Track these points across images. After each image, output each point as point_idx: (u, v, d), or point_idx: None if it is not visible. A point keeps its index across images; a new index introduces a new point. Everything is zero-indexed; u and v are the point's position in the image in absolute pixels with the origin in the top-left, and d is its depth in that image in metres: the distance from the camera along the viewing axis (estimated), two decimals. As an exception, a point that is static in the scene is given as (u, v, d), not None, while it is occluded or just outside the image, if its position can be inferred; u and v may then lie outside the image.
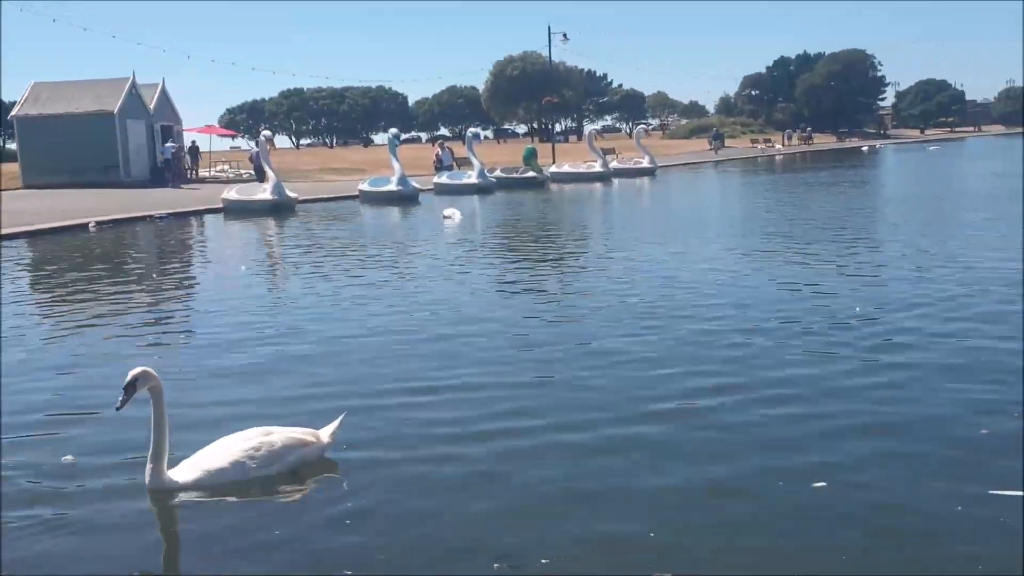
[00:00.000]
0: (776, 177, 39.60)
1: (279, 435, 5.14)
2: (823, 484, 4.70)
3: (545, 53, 64.32)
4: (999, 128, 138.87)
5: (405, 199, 30.17)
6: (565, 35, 57.79)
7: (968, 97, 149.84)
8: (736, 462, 5.08)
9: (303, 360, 7.78)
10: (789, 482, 4.77)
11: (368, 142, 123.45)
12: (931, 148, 68.88)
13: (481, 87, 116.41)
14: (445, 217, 21.80)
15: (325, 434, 5.29)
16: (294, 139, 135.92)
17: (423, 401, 6.37)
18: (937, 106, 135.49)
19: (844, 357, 7.11)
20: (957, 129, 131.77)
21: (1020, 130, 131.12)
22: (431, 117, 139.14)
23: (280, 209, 26.64)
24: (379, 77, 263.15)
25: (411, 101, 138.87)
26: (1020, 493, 4.45)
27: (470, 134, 39.70)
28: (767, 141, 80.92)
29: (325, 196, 32.84)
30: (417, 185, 32.29)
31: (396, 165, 31.55)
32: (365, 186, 32.55)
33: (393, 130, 35.09)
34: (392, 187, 31.03)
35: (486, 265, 13.97)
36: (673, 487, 4.77)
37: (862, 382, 6.44)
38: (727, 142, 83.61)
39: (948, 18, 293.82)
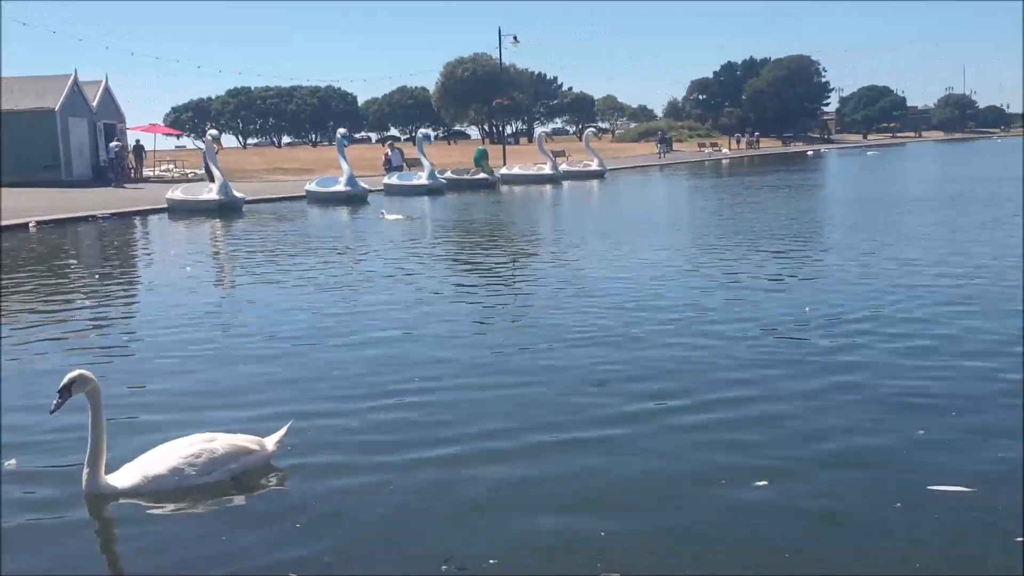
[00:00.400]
0: (723, 180, 40.18)
1: (222, 442, 5.04)
2: (764, 483, 4.78)
3: (496, 55, 64.45)
4: (939, 134, 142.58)
5: (354, 200, 30.00)
6: (515, 37, 57.94)
7: (909, 103, 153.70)
8: (681, 463, 5.13)
9: (249, 364, 7.67)
10: (732, 482, 4.84)
11: (317, 142, 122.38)
12: (869, 153, 70.40)
13: (432, 88, 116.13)
14: (386, 217, 21.78)
15: (271, 442, 5.19)
16: (241, 139, 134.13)
17: (372, 406, 6.28)
18: (879, 112, 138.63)
19: (791, 359, 7.21)
20: (899, 135, 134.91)
21: (959, 136, 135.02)
22: (381, 117, 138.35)
23: (227, 209, 26.33)
24: (328, 77, 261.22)
25: (360, 101, 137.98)
26: (959, 488, 4.56)
27: (420, 135, 39.61)
28: (714, 145, 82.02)
29: (272, 196, 32.50)
30: (366, 186, 32.14)
31: (344, 165, 31.37)
32: (312, 186, 32.29)
33: (341, 130, 34.91)
34: (340, 188, 30.85)
35: (433, 267, 13.91)
36: (623, 488, 4.80)
37: (804, 384, 6.52)
38: (675, 146, 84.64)
39: (891, 25, 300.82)
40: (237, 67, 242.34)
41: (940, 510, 4.39)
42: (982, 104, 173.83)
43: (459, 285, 11.91)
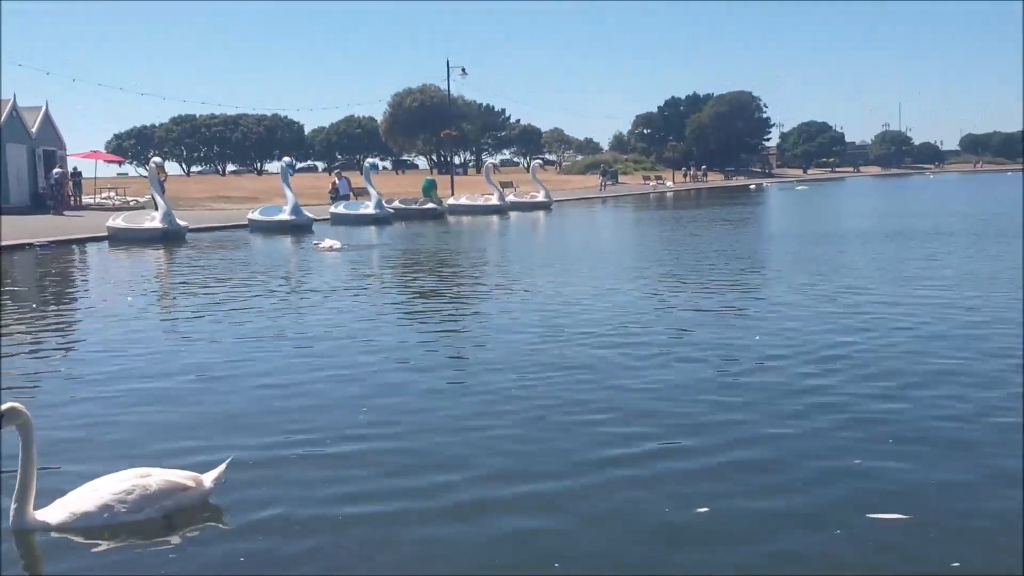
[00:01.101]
0: (668, 213, 40.64)
1: (156, 478, 4.91)
2: (706, 509, 4.85)
3: (444, 86, 64.72)
4: (876, 169, 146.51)
5: (298, 229, 29.83)
6: (464, 70, 58.31)
7: (848, 139, 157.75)
8: (622, 491, 5.17)
9: (190, 397, 7.53)
10: (674, 506, 4.91)
11: (262, 171, 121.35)
12: (799, 188, 72.01)
13: (379, 118, 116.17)
14: (320, 247, 21.72)
15: (208, 479, 5.06)
16: (185, 166, 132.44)
17: (314, 443, 6.17)
18: (818, 147, 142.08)
19: (731, 387, 7.30)
20: (837, 169, 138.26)
21: (895, 171, 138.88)
22: (328, 146, 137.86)
23: (170, 237, 26.04)
24: (275, 105, 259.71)
25: (307, 130, 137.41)
26: (896, 516, 4.67)
27: (367, 164, 39.58)
28: (659, 178, 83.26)
29: (216, 225, 32.13)
30: (311, 215, 31.99)
31: (289, 194, 31.25)
32: (255, 215, 32.08)
33: (286, 159, 34.79)
34: (285, 216, 30.73)
35: (376, 298, 13.81)
36: (571, 514, 4.81)
37: (741, 413, 6.60)
38: (620, 178, 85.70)
39: (830, 63, 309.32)
40: (182, 95, 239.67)
41: (878, 536, 4.49)
42: (917, 141, 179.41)
43: (400, 317, 11.87)
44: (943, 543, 4.40)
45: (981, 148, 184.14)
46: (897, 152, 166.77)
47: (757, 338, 9.39)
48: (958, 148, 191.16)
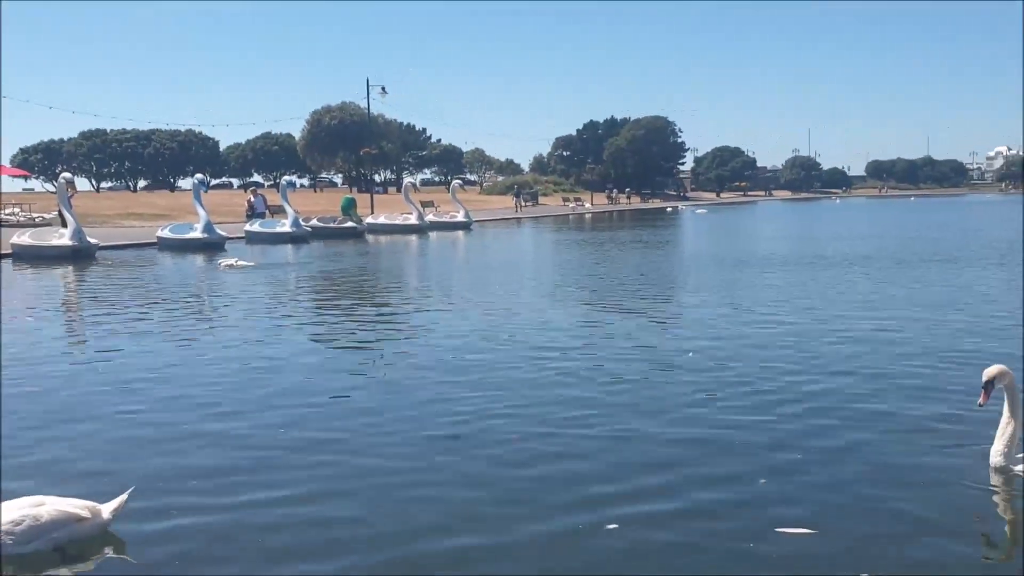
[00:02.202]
0: (587, 235, 41.05)
1: (49, 508, 4.67)
2: (615, 526, 4.92)
3: (364, 104, 64.41)
4: (787, 193, 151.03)
5: (210, 247, 29.25)
6: (384, 88, 58.11)
7: (759, 164, 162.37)
8: (532, 507, 5.21)
9: (93, 424, 7.24)
10: (585, 528, 4.95)
11: (175, 187, 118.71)
12: (699, 211, 73.90)
13: (297, 135, 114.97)
14: (224, 265, 21.40)
15: (107, 509, 4.83)
16: (95, 182, 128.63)
17: (222, 471, 6.01)
18: (731, 171, 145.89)
19: (646, 403, 7.36)
20: (750, 193, 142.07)
21: (805, 196, 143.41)
22: (244, 163, 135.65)
23: (80, 255, 25.24)
24: (189, 120, 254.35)
25: (223, 146, 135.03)
26: (804, 530, 4.81)
27: (284, 182, 39.03)
28: (578, 200, 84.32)
29: (126, 243, 31.26)
30: (224, 233, 31.43)
31: (201, 212, 30.68)
32: (165, 233, 31.37)
33: (199, 176, 34.21)
34: (197, 234, 30.13)
35: (286, 319, 13.52)
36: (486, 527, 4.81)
37: (651, 429, 6.69)
38: (540, 199, 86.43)
39: (744, 90, 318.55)
40: (92, 108, 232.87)
41: (787, 550, 4.62)
42: (826, 166, 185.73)
43: (308, 339, 11.63)
44: (850, 552, 4.56)
45: (886, 174, 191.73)
46: (807, 177, 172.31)
47: (691, 354, 9.59)
48: (864, 174, 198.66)
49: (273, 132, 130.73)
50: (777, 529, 4.84)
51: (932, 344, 10.05)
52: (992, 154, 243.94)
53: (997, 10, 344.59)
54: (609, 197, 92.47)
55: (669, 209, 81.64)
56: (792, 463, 5.98)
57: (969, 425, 6.49)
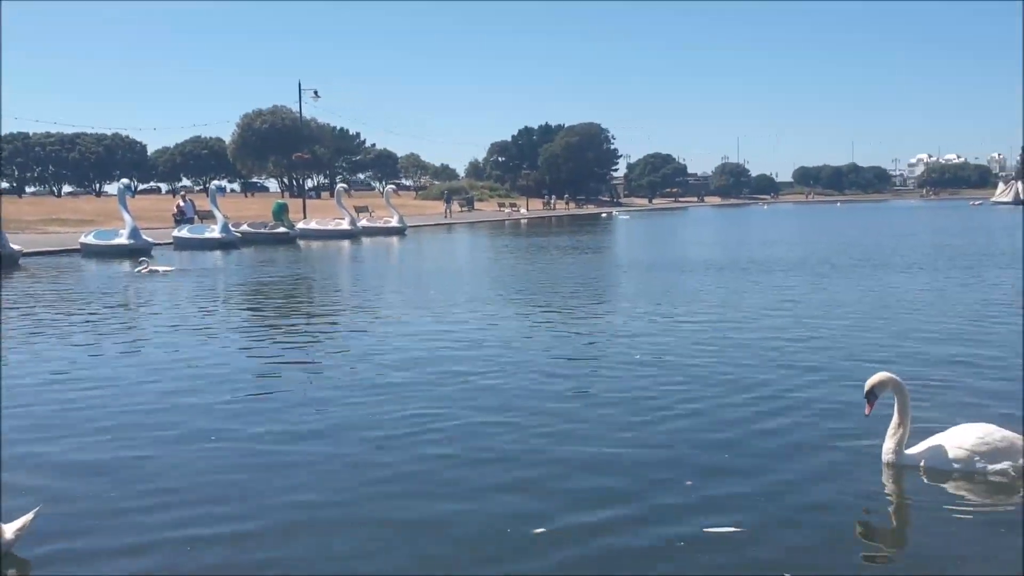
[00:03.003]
0: (523, 240, 41.03)
1: None
2: (542, 529, 4.93)
3: (296, 108, 63.65)
4: (717, 199, 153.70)
5: (137, 253, 28.54)
6: (316, 92, 57.47)
7: (690, 171, 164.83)
8: (462, 515, 5.17)
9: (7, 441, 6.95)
10: (514, 526, 4.97)
11: (101, 192, 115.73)
12: (622, 217, 74.92)
13: (228, 139, 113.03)
14: (144, 271, 20.94)
15: (10, 529, 4.62)
16: (16, 186, 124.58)
17: (133, 484, 5.86)
18: (663, 178, 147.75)
19: (581, 411, 7.40)
20: (681, 199, 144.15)
21: (734, 202, 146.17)
22: (173, 167, 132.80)
23: (3, 263, 24.47)
24: (115, 124, 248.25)
25: (151, 150, 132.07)
26: (731, 529, 4.89)
27: (213, 187, 38.35)
28: (513, 205, 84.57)
29: (50, 249, 30.39)
30: (150, 239, 30.75)
31: (127, 217, 30.03)
32: (89, 239, 30.60)
33: (124, 180, 33.51)
34: (123, 240, 29.45)
35: (211, 326, 13.29)
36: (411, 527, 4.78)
37: (585, 430, 6.72)
38: (476, 205, 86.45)
39: (675, 98, 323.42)
40: (14, 111, 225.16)
41: (715, 549, 4.69)
42: (754, 172, 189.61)
43: (232, 346, 11.39)
44: (775, 550, 4.66)
45: (812, 180, 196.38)
46: (736, 183, 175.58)
47: (638, 356, 9.64)
48: (791, 180, 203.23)
49: (203, 136, 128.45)
50: (706, 529, 4.91)
51: (841, 349, 10.23)
52: (914, 161, 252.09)
53: (918, 20, 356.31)
54: (546, 203, 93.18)
55: (604, 215, 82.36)
56: (718, 465, 6.07)
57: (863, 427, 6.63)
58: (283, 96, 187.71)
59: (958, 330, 11.39)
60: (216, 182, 45.92)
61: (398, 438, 6.79)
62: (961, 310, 13.31)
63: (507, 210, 79.86)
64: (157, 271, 21.13)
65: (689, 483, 5.69)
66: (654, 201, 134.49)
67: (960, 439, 5.78)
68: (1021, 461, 5.68)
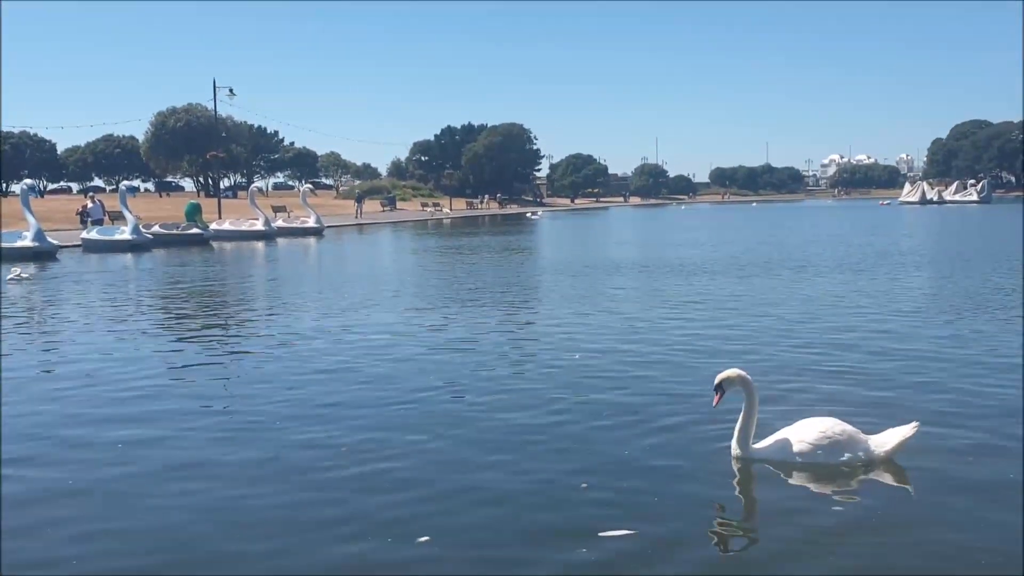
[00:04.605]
0: (445, 241, 40.82)
1: None
2: (427, 538, 4.95)
3: (211, 106, 62.42)
4: (637, 200, 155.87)
5: (41, 256, 27.72)
6: (231, 90, 56.47)
7: (611, 171, 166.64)
8: (351, 521, 5.20)
9: None
10: (396, 536, 5.00)
11: (7, 192, 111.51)
12: (533, 217, 75.64)
13: (141, 137, 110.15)
14: (10, 279, 20.35)
15: None
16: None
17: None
18: (584, 178, 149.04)
19: (471, 418, 7.45)
20: (602, 199, 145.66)
21: (654, 202, 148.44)
22: (84, 167, 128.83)
23: None
24: (22, 121, 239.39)
25: (61, 149, 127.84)
26: (625, 532, 4.99)
27: (123, 187, 37.30)
28: (436, 205, 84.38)
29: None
30: (55, 241, 29.82)
31: (30, 219, 29.08)
32: (-10, 242, 29.49)
33: (28, 180, 32.46)
34: (27, 243, 28.46)
35: (108, 330, 13.05)
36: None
37: (467, 446, 6.76)
38: (399, 204, 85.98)
39: (594, 99, 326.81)
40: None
41: (613, 550, 4.79)
42: (672, 173, 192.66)
43: (116, 353, 11.19)
44: (668, 551, 4.78)
45: (728, 181, 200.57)
46: (655, 184, 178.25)
47: (577, 356, 9.71)
48: (708, 180, 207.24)
49: (115, 134, 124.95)
50: (600, 533, 5.00)
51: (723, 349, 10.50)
52: (826, 161, 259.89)
53: (828, 23, 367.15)
54: (470, 203, 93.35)
55: (530, 214, 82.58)
56: (613, 465, 6.19)
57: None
58: (198, 94, 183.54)
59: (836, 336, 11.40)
60: (126, 182, 44.81)
61: (293, 448, 6.77)
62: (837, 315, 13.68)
63: (430, 210, 79.63)
64: (20, 277, 20.53)
65: (584, 485, 5.79)
66: (576, 201, 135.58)
67: (803, 433, 6.08)
68: (861, 453, 6.01)
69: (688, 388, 8.29)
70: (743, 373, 6.25)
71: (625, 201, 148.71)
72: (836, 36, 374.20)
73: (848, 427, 6.13)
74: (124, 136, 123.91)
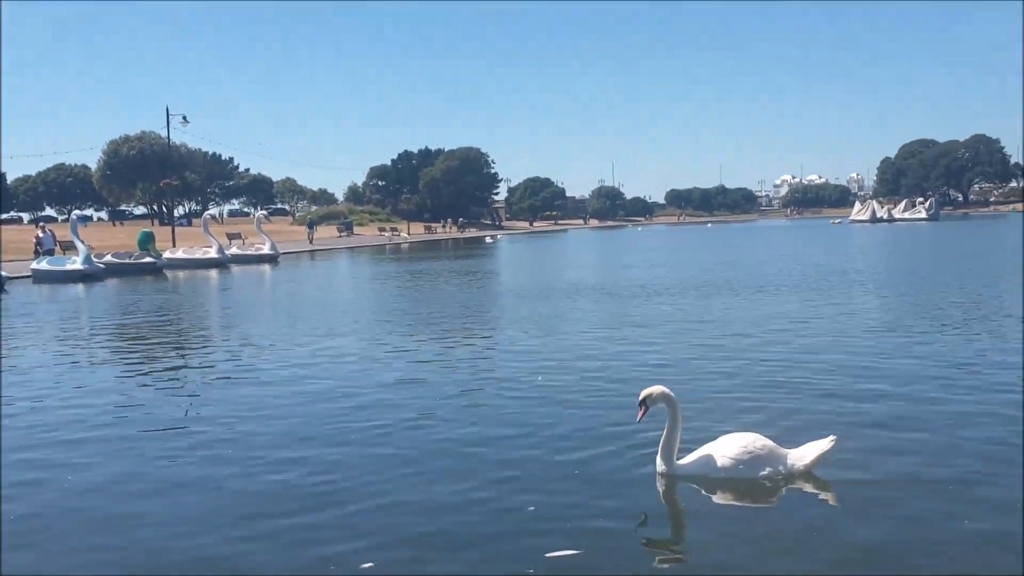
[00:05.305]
0: (403, 266, 40.51)
1: None
2: (371, 564, 5.00)
3: (164, 134, 61.92)
4: (595, 222, 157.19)
5: (-10, 288, 27.22)
6: (185, 117, 56.06)
7: (568, 194, 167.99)
8: (292, 549, 5.21)
9: None
10: (340, 566, 5.02)
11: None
12: (488, 241, 76.05)
13: (94, 166, 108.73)
14: None
15: None
16: None
17: None
18: (543, 201, 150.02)
19: (440, 439, 7.51)
20: (561, 222, 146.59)
21: (612, 224, 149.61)
22: (35, 196, 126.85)
23: None
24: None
25: (11, 179, 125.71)
26: (572, 552, 5.07)
27: (75, 216, 36.87)
28: (394, 229, 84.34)
29: None
30: (4, 272, 29.32)
31: (-23, 251, 28.54)
32: (-67, 275, 28.90)
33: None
34: (-27, 275, 27.97)
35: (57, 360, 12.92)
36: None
37: (438, 464, 6.82)
38: (356, 229, 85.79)
39: (551, 123, 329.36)
40: None
41: (562, 571, 4.89)
42: (629, 195, 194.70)
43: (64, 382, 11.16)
44: (614, 568, 4.90)
45: (683, 202, 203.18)
46: (612, 206, 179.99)
47: (540, 378, 9.77)
48: (664, 202, 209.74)
49: (67, 163, 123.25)
50: (547, 554, 5.07)
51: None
52: (778, 182, 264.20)
53: (777, 46, 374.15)
54: (428, 227, 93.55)
55: (488, 239, 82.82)
56: (558, 484, 6.27)
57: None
58: (151, 122, 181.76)
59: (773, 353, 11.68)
60: (77, 212, 44.23)
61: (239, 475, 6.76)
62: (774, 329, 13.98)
63: (388, 235, 79.53)
64: None
65: (532, 508, 5.86)
66: (535, 224, 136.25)
67: (725, 448, 6.25)
68: (781, 467, 6.21)
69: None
70: (665, 390, 6.36)
71: (585, 223, 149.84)
72: (787, 59, 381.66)
73: (769, 442, 6.30)
74: (76, 165, 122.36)
